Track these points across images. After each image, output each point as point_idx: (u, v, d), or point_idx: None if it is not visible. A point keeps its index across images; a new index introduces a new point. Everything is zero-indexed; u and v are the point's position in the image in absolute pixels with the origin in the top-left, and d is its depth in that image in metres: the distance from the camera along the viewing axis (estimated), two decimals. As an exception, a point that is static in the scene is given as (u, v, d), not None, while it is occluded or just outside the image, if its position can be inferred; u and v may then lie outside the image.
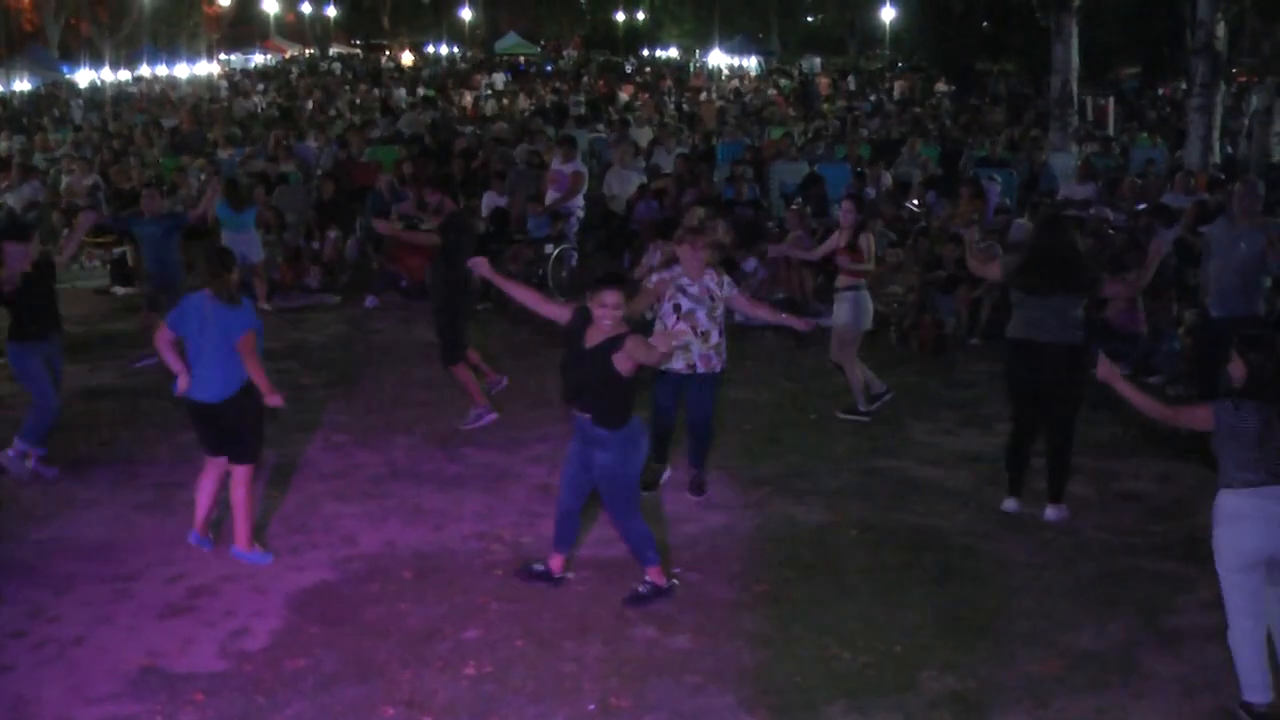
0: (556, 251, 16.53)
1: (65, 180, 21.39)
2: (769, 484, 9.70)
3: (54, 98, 43.02)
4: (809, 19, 79.40)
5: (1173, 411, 6.87)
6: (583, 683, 6.73)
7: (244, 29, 72.87)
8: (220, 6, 76.08)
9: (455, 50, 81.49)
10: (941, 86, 44.79)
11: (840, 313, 11.20)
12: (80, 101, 41.68)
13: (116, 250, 16.56)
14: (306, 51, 78.48)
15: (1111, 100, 30.93)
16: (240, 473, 8.28)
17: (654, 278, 9.39)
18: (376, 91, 43.73)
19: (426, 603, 7.67)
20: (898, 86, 45.48)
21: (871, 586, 7.95)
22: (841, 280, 11.24)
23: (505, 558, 8.34)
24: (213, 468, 8.38)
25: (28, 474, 9.88)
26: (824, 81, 49.09)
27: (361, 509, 9.24)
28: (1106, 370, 6.94)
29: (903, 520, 9.01)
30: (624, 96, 42.32)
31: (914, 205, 17.61)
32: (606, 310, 7.18)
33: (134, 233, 13.72)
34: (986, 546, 8.54)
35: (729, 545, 8.59)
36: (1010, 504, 9.12)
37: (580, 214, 18.26)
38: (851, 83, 48.94)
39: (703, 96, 42.68)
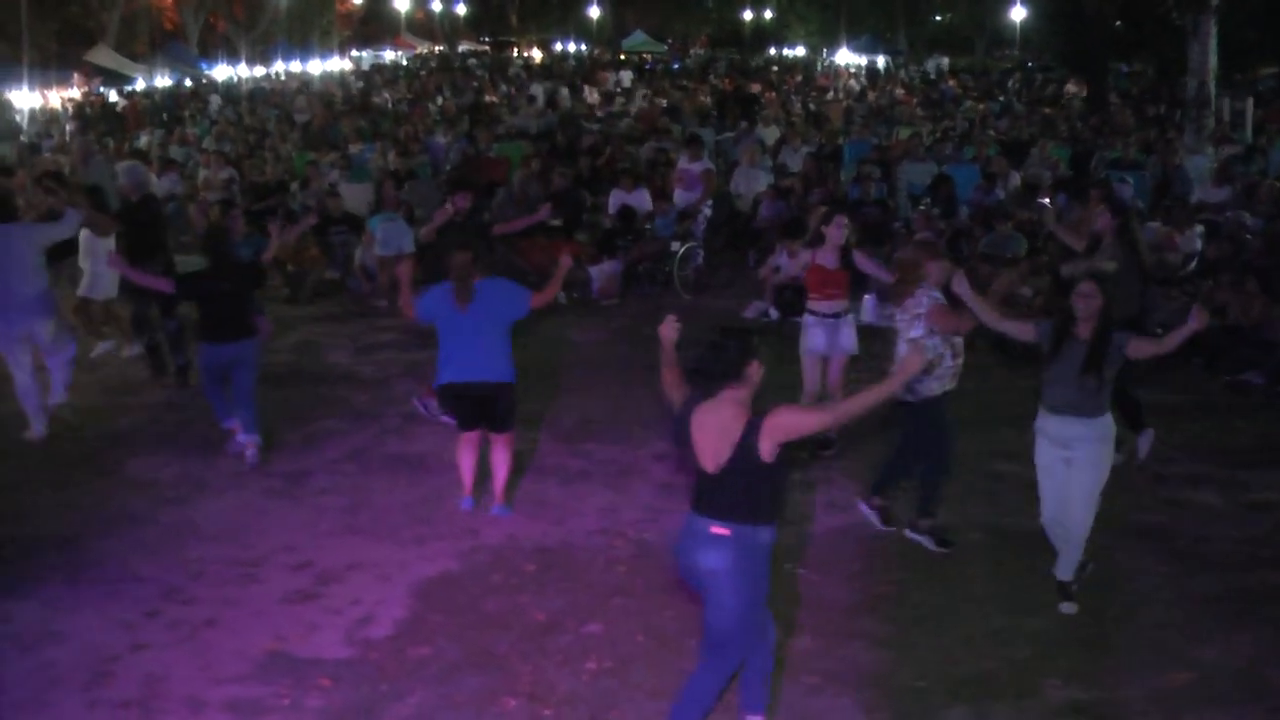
0: (683, 250, 16.54)
1: (202, 173, 21.91)
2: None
3: (193, 93, 44.05)
4: (937, 18, 78.46)
5: None
6: (702, 680, 6.72)
7: (375, 26, 73.95)
8: (353, 4, 77.31)
9: (582, 47, 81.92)
10: (1072, 87, 43.96)
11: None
12: (217, 97, 42.61)
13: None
14: (436, 48, 79.41)
15: (1251, 101, 30.10)
16: (505, 439, 9.00)
17: (923, 300, 8.42)
18: (504, 88, 44.12)
19: (548, 596, 7.73)
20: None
21: (994, 592, 7.85)
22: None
23: (627, 554, 8.38)
24: (470, 441, 9.02)
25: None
26: (953, 83, 48.53)
27: (483, 500, 9.32)
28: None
29: (1026, 525, 8.85)
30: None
31: (1043, 204, 17.32)
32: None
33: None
34: (1112, 554, 8.38)
35: (849, 546, 8.54)
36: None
37: (708, 212, 18.26)
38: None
39: (829, 96, 42.40)
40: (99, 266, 12.86)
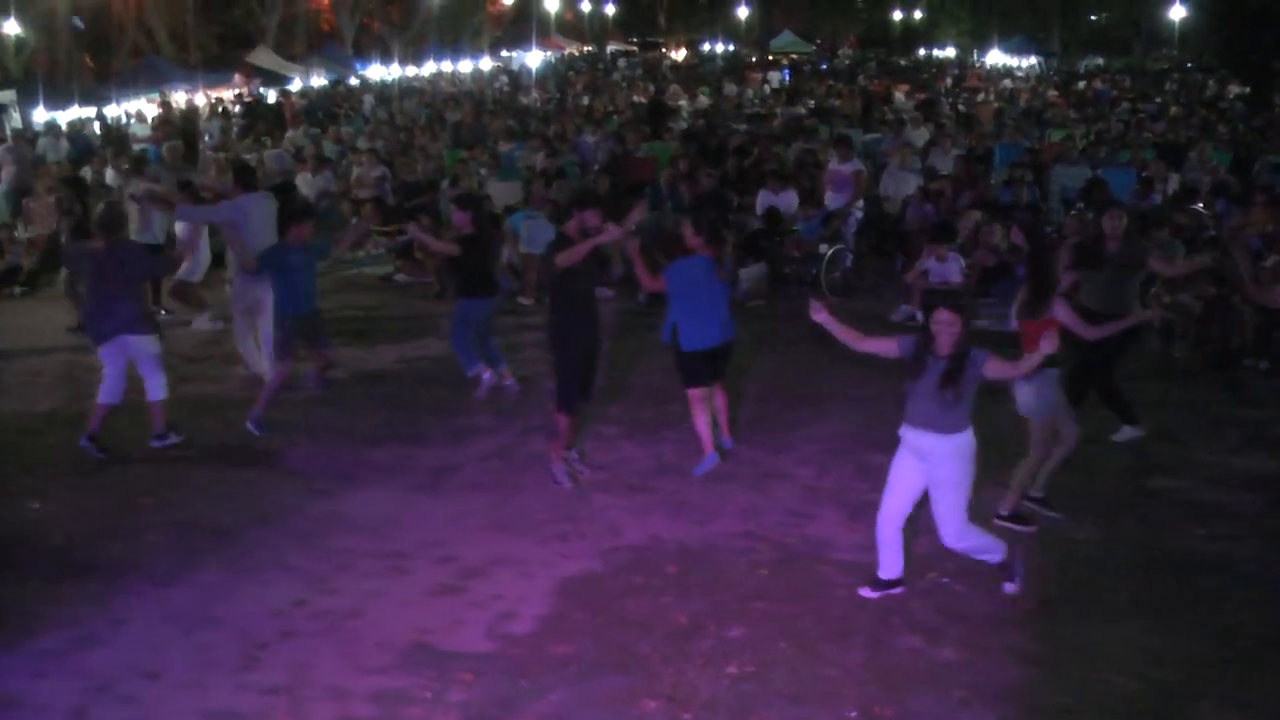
0: (830, 252, 16.41)
1: (355, 171, 22.33)
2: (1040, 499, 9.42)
3: (347, 92, 44.93)
4: (1092, 17, 76.90)
5: None
6: (844, 688, 6.67)
7: (524, 26, 74.63)
8: (503, 5, 78.13)
9: (730, 48, 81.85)
10: (1233, 88, 42.75)
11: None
12: (370, 96, 43.40)
13: (400, 238, 17.17)
14: (584, 49, 79.94)
15: None
16: (719, 384, 10.18)
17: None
18: (652, 88, 44.27)
19: (690, 598, 7.72)
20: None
21: (1145, 610, 7.64)
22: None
23: (770, 557, 8.34)
24: (701, 399, 9.94)
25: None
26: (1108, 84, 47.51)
27: (628, 501, 9.37)
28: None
29: (1181, 543, 8.64)
30: (900, 96, 41.77)
31: (1199, 210, 16.88)
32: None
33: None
34: (1271, 573, 8.11)
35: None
36: None
37: (859, 215, 18.10)
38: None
39: (980, 98, 41.78)
40: (200, 253, 14.65)
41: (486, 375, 11.95)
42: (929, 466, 7.45)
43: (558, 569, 8.18)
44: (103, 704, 6.69)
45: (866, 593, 7.74)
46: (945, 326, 7.25)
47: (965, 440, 7.40)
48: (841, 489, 9.53)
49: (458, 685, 6.76)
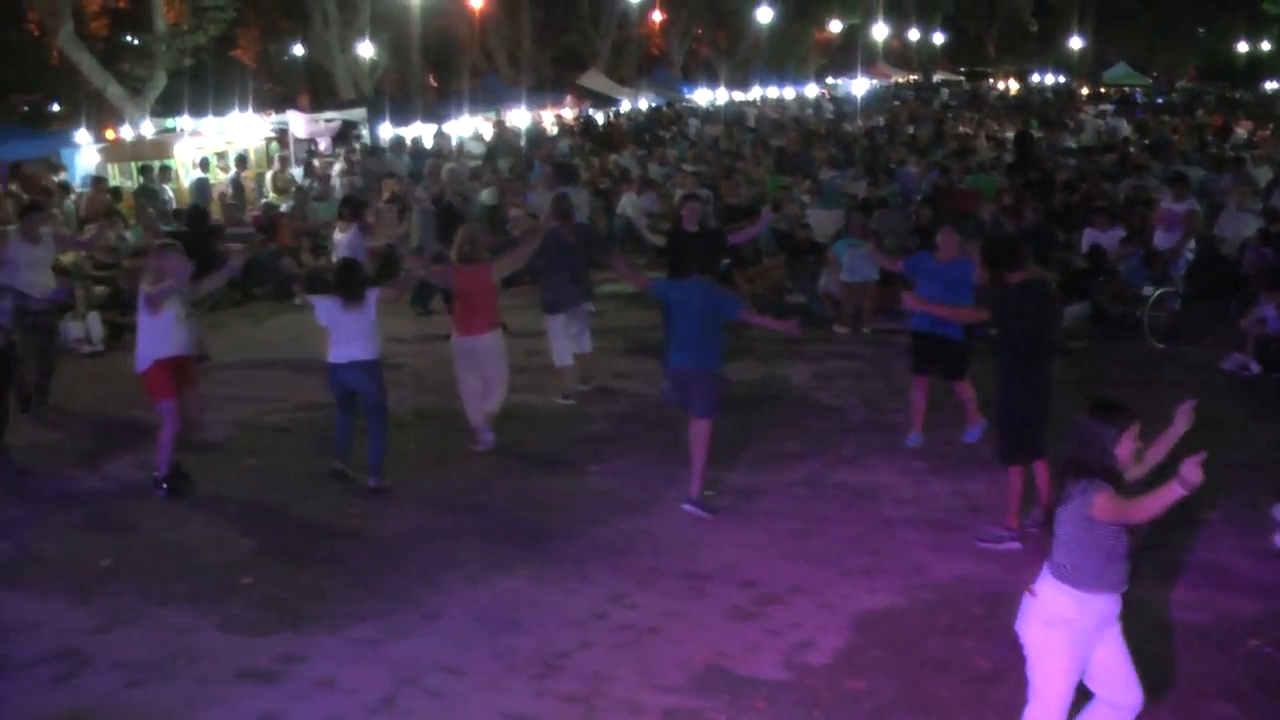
0: (1157, 294, 15.73)
1: (679, 194, 22.64)
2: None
3: (674, 115, 45.74)
4: None
5: None
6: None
7: (850, 54, 74.44)
8: (831, 33, 78.14)
9: (1061, 79, 79.62)
10: None
11: None
12: (696, 119, 44.04)
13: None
14: (910, 77, 79.15)
15: None
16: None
17: None
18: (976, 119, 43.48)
19: (994, 643, 7.47)
20: None
21: None
22: None
23: (1079, 608, 8.01)
24: (923, 384, 11.09)
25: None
26: None
27: (934, 538, 9.18)
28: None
29: None
30: (1241, 132, 39.73)
31: None
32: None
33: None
34: None
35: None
36: None
37: (1190, 255, 17.30)
38: None
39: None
40: None
41: None
42: None
43: (859, 602, 8.09)
44: (410, 695, 7.01)
45: None
46: None
47: None
48: (1159, 543, 9.09)
49: (750, 712, 6.76)
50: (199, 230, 16.29)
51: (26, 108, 37.29)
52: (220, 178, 25.82)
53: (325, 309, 10.41)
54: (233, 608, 8.22)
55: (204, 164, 25.32)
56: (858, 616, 7.89)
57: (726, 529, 9.43)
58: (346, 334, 10.34)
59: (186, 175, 25.35)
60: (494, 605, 8.11)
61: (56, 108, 37.48)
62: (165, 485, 10.47)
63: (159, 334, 10.34)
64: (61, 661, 7.54)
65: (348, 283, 10.44)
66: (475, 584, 8.46)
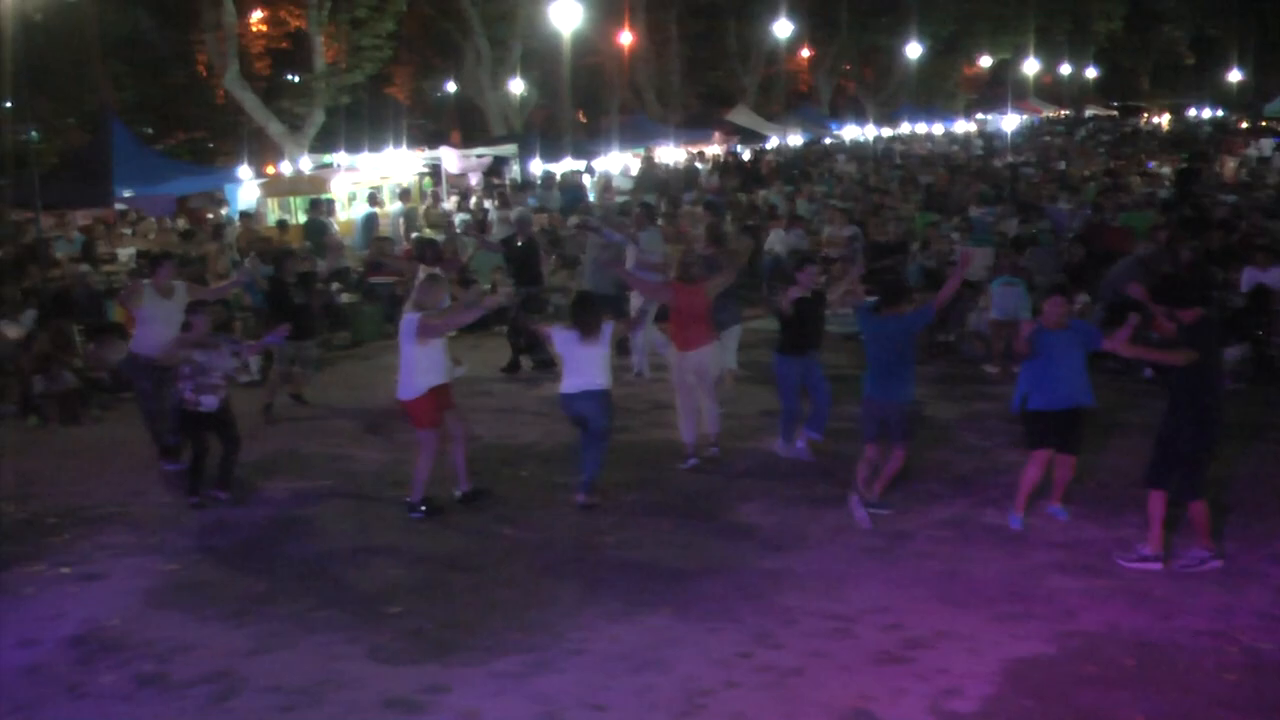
0: (1321, 336, 15.24)
1: (827, 230, 22.58)
2: None
3: (822, 151, 45.66)
4: None
5: None
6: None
7: (1000, 89, 73.65)
8: (980, 68, 77.42)
9: (1218, 114, 77.75)
10: None
11: None
12: (844, 156, 43.90)
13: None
14: (1062, 113, 78.01)
15: None
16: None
17: None
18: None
19: (1147, 695, 7.29)
20: None
21: None
22: None
23: (1239, 661, 7.74)
24: (1040, 460, 10.11)
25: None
26: None
27: (1086, 584, 8.97)
28: None
29: None
30: None
31: None
32: None
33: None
34: None
35: None
36: None
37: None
38: None
39: None
40: None
41: (800, 443, 12.20)
42: None
43: (1007, 648, 7.94)
44: (552, 730, 7.04)
45: None
46: None
47: None
48: None
49: (895, 758, 6.68)
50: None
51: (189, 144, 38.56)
52: (387, 211, 26.36)
53: (562, 340, 10.87)
54: (380, 636, 8.37)
55: (371, 198, 25.79)
56: (1006, 663, 7.73)
57: (872, 569, 9.34)
58: (579, 365, 10.76)
59: (340, 209, 25.90)
60: (637, 642, 8.13)
61: (211, 145, 38.66)
62: (423, 508, 10.85)
63: (429, 363, 10.78)
64: (217, 682, 7.76)
65: (586, 317, 10.78)
66: (617, 620, 8.49)
